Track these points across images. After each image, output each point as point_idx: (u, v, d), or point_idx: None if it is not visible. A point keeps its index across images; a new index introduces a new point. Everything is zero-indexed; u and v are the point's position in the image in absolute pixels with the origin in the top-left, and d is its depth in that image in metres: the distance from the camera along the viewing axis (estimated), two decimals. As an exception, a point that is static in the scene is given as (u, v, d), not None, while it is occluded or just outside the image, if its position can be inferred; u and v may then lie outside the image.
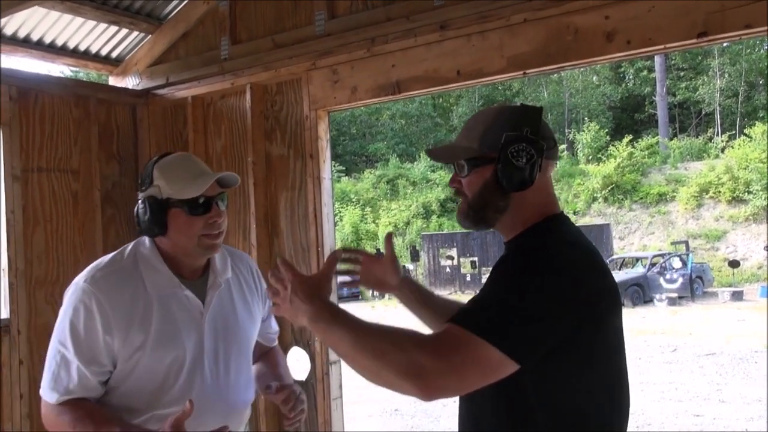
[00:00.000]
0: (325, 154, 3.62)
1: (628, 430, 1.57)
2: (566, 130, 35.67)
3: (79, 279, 1.85)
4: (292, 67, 3.60)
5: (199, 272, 1.98)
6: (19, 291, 3.47)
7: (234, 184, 1.96)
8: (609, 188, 28.57)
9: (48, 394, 1.81)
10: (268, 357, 2.25)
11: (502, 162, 1.48)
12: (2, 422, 3.36)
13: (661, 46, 2.68)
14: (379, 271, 1.91)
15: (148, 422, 1.83)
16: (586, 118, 35.13)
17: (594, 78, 38.00)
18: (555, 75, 35.24)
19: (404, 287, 1.92)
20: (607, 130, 33.57)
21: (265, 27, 3.76)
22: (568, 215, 1.64)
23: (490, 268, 1.57)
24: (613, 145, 30.18)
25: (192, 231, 1.87)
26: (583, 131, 33.15)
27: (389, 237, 1.94)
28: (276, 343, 2.34)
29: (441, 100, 39.58)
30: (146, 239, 1.95)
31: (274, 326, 2.30)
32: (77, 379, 1.78)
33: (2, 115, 3.51)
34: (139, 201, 1.91)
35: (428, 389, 1.31)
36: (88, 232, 3.85)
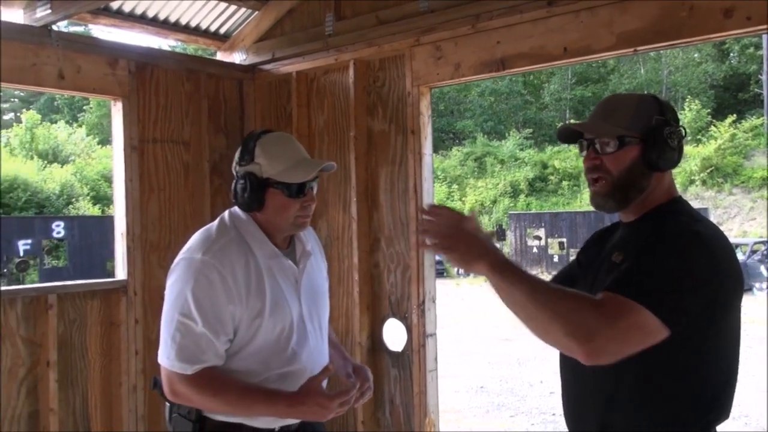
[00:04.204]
0: (427, 130, 3.65)
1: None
2: (664, 110, 34.09)
3: (194, 253, 1.90)
4: (396, 43, 3.63)
5: (287, 242, 2.08)
6: (135, 255, 3.70)
7: (331, 170, 2.04)
8: (708, 171, 27.35)
9: (178, 365, 1.85)
10: None
11: (657, 142, 1.60)
12: (120, 376, 3.60)
13: (786, 23, 2.56)
14: None
15: (264, 382, 1.93)
16: (686, 97, 33.59)
17: (696, 55, 36.22)
18: (653, 52, 33.84)
19: None
20: (708, 110, 32.03)
21: (370, 3, 3.80)
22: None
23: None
24: (714, 126, 28.81)
25: (288, 212, 1.96)
26: (683, 111, 31.75)
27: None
28: None
29: (532, 77, 38.67)
30: (239, 211, 2.02)
31: None
32: (206, 348, 1.85)
33: (122, 89, 3.72)
34: (239, 176, 1.97)
35: (593, 351, 1.40)
36: (197, 201, 4.04)
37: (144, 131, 3.83)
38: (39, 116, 29.90)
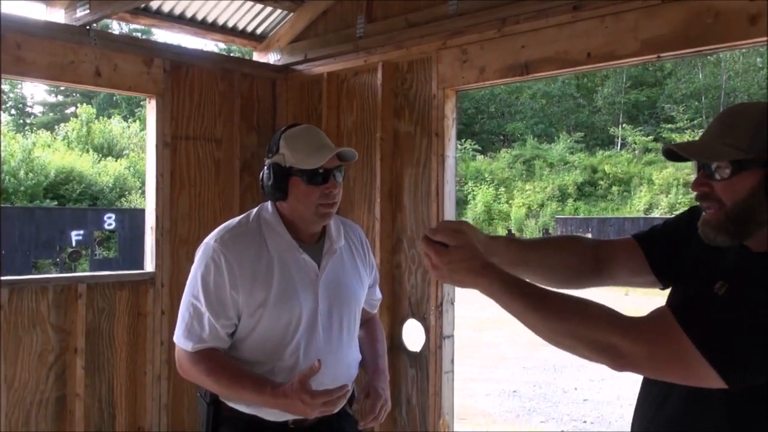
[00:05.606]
0: (451, 132, 3.67)
1: None
2: (721, 116, 33.24)
3: (210, 239, 2.02)
4: (424, 46, 3.66)
5: (315, 237, 2.13)
6: (164, 248, 3.81)
7: (352, 159, 2.08)
8: None
9: (183, 342, 1.99)
10: (369, 328, 2.36)
11: None
12: (145, 365, 3.71)
13: (812, 31, 2.50)
14: None
15: (270, 372, 2.00)
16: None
17: (758, 60, 35.19)
18: (713, 56, 32.95)
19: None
20: (768, 116, 31.07)
21: (401, 5, 3.82)
22: None
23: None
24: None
25: (309, 199, 2.01)
26: (741, 117, 30.82)
27: None
28: (377, 310, 2.45)
29: (585, 80, 38.17)
30: (269, 205, 2.10)
31: (378, 294, 2.42)
32: (208, 330, 1.97)
33: (156, 87, 3.83)
34: (265, 167, 2.07)
35: (622, 368, 1.28)
36: (227, 198, 4.13)
37: (177, 128, 3.94)
38: (94, 110, 30.75)
